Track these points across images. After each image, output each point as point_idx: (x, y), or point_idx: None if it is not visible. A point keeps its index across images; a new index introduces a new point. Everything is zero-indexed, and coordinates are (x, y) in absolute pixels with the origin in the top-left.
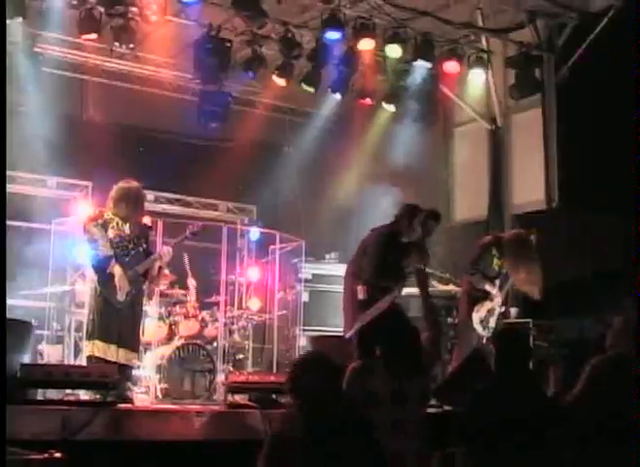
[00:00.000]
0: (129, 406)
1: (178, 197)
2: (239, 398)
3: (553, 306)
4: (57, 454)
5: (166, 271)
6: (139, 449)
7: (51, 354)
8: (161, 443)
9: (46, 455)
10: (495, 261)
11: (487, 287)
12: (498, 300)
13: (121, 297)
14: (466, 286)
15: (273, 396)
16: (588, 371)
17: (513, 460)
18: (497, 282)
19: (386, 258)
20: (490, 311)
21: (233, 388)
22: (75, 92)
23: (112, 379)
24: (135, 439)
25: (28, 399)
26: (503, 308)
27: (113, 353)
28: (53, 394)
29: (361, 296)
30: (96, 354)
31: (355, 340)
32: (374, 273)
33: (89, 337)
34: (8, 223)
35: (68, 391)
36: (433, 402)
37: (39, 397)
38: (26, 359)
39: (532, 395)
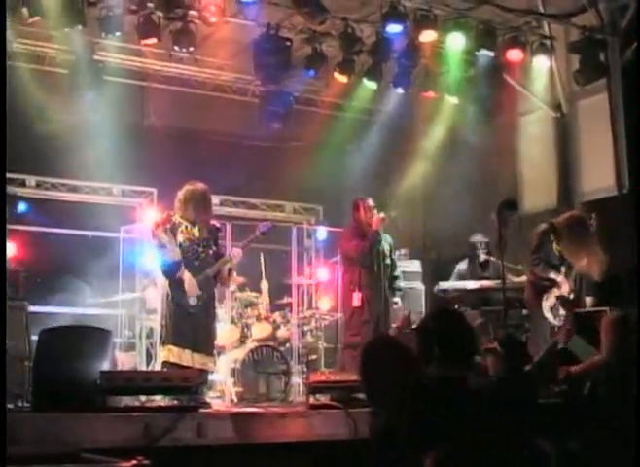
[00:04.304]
0: (211, 410)
1: (243, 199)
2: (320, 398)
3: (627, 295)
4: (145, 461)
5: (235, 274)
6: (223, 454)
7: (124, 362)
8: (246, 446)
9: (134, 462)
10: (555, 247)
11: (552, 275)
12: (565, 287)
13: (193, 301)
14: (530, 276)
15: (355, 395)
16: None
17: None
18: (562, 269)
19: None
20: (559, 299)
21: (315, 388)
22: (136, 99)
23: (194, 384)
24: (220, 443)
25: (108, 406)
26: (572, 295)
27: (188, 358)
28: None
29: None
30: (171, 360)
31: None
32: None
33: (163, 342)
34: (76, 232)
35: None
36: None
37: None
38: (105, 366)
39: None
